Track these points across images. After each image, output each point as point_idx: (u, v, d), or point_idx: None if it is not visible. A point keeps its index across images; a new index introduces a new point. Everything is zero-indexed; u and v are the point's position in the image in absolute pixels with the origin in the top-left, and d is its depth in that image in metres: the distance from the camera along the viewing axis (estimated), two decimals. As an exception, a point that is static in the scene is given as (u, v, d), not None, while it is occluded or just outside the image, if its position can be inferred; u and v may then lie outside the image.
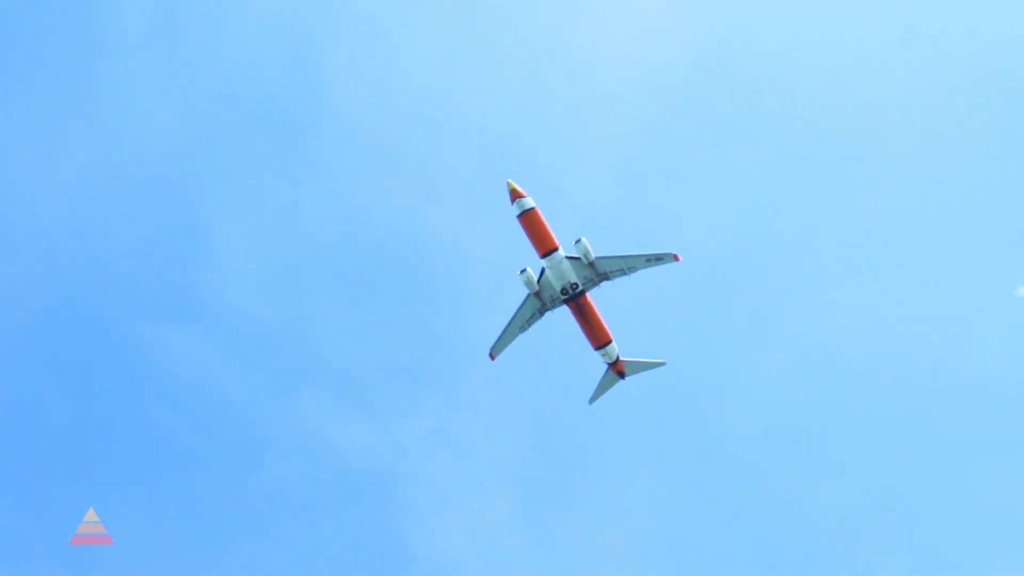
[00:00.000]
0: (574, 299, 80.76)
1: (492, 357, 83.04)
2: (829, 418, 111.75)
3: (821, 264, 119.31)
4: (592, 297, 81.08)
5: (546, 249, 79.21)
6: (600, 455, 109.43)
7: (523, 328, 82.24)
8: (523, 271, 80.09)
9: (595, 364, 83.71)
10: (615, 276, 79.84)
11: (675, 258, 78.77)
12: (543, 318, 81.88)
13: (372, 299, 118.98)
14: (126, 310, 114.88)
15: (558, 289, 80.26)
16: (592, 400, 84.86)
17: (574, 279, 79.89)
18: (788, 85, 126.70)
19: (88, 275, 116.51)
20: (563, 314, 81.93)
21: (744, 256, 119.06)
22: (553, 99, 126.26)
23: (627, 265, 79.20)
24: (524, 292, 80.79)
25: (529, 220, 78.66)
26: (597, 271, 79.64)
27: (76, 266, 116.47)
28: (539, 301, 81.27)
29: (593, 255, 79.07)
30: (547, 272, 79.94)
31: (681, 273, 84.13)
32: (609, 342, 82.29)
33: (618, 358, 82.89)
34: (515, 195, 78.29)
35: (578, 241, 78.88)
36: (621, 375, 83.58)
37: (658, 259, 78.69)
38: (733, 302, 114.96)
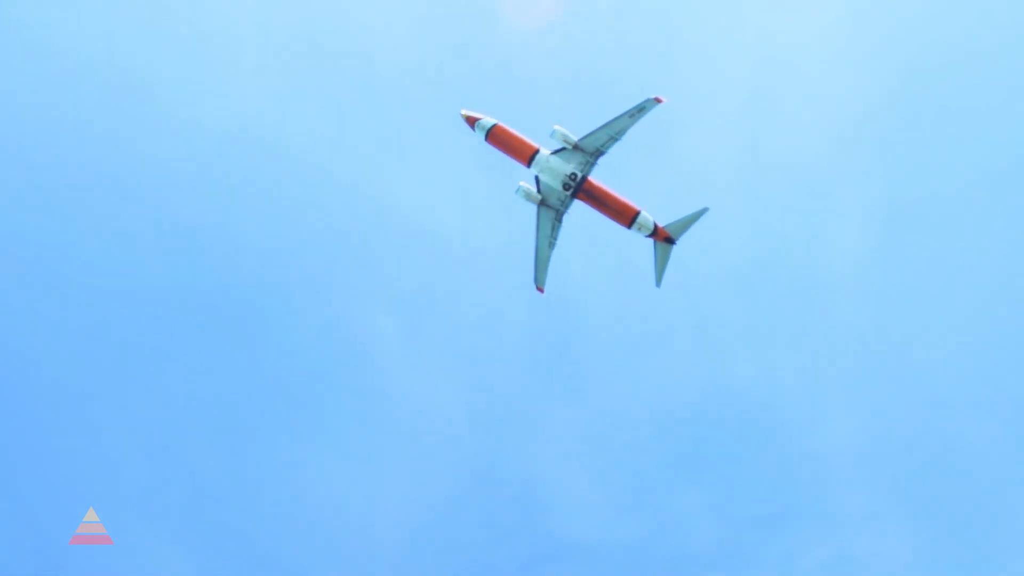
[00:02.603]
0: (580, 189, 76.49)
1: (541, 290, 79.17)
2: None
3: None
4: (597, 179, 76.67)
5: (528, 155, 76.15)
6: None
7: (551, 244, 78.29)
8: (518, 188, 77.01)
9: (640, 245, 78.29)
10: (607, 147, 75.28)
11: (657, 101, 73.62)
12: (563, 225, 77.89)
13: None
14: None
15: (560, 187, 76.34)
16: (658, 282, 78.80)
17: (569, 170, 75.91)
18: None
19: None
20: (580, 211, 77.72)
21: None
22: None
23: (613, 131, 74.54)
24: (532, 209, 77.47)
25: (496, 137, 76.28)
26: (587, 151, 75.41)
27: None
28: (550, 209, 77.45)
29: (574, 137, 75.15)
30: (541, 177, 76.50)
31: (677, 116, 78.67)
32: (638, 213, 76.92)
33: (656, 226, 77.19)
34: (471, 121, 76.38)
35: (553, 132, 75.41)
36: (670, 241, 77.53)
37: (640, 110, 73.63)
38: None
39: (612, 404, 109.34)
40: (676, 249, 77.96)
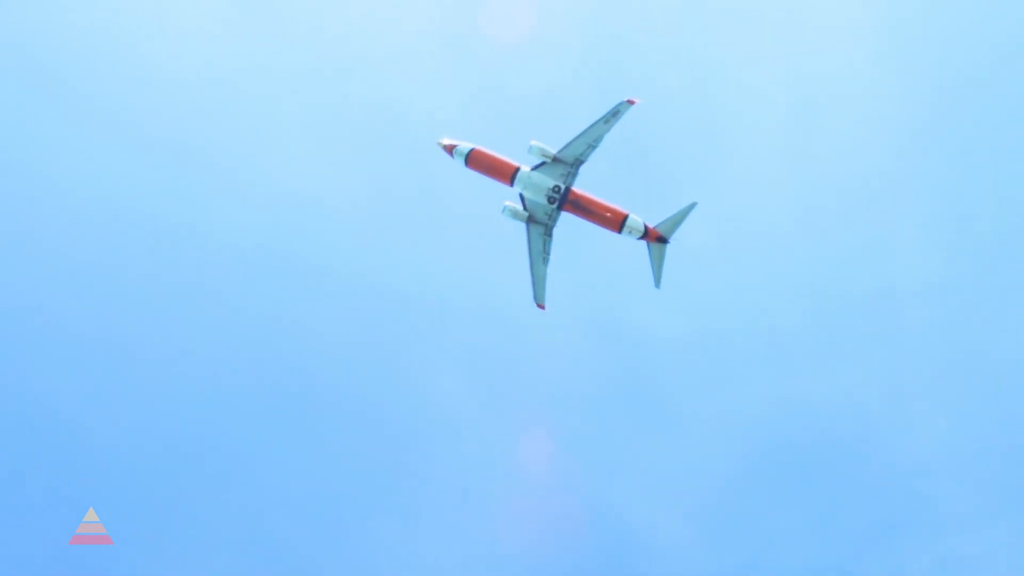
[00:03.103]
0: (565, 200, 76.37)
1: (541, 307, 78.89)
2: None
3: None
4: (580, 189, 76.54)
5: (509, 174, 76.27)
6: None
7: (545, 260, 78.11)
8: (504, 208, 77.08)
9: (633, 249, 77.83)
10: (587, 156, 75.19)
11: (630, 103, 73.56)
12: (553, 239, 77.68)
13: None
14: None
15: (545, 201, 76.28)
16: (657, 283, 78.23)
17: (552, 183, 75.87)
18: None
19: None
20: (568, 223, 77.53)
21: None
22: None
23: (591, 139, 74.42)
24: (520, 227, 77.44)
25: (476, 161, 76.57)
26: (567, 162, 75.37)
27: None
28: (539, 224, 77.37)
29: (552, 150, 75.19)
30: (525, 194, 76.55)
31: (652, 115, 78.53)
32: (626, 217, 76.59)
33: (647, 227, 76.77)
34: (449, 149, 76.76)
35: (531, 148, 75.54)
36: (662, 240, 77.06)
37: (615, 114, 73.58)
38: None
39: (694, 432, 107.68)
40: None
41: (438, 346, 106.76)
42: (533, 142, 75.41)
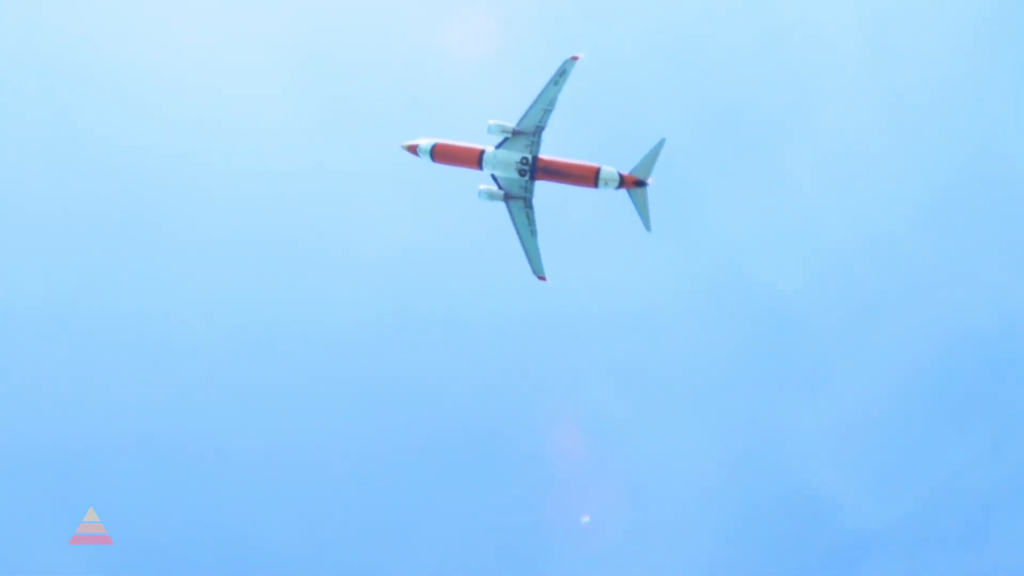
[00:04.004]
0: (535, 170, 76.97)
1: (543, 278, 79.43)
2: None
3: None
4: (547, 154, 77.08)
5: (476, 158, 77.23)
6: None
7: (533, 232, 78.69)
8: (480, 191, 77.91)
9: (615, 199, 78.05)
10: (545, 121, 75.68)
11: (574, 59, 73.95)
12: (535, 210, 78.28)
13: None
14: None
15: (517, 175, 77.00)
16: (648, 226, 78.17)
17: (518, 155, 76.56)
18: None
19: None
20: (545, 190, 78.16)
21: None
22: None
23: (544, 104, 74.85)
24: (499, 206, 78.19)
25: (441, 154, 77.73)
26: (528, 132, 76.01)
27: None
28: (517, 199, 78.06)
29: (511, 124, 75.94)
30: (496, 173, 77.40)
31: (596, 67, 78.67)
32: (599, 169, 76.87)
33: (621, 175, 76.91)
34: (412, 149, 77.95)
35: (490, 127, 76.34)
36: (640, 184, 77.06)
37: (562, 74, 74.01)
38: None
39: (851, 382, 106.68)
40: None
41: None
42: (491, 121, 76.21)
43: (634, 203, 77.53)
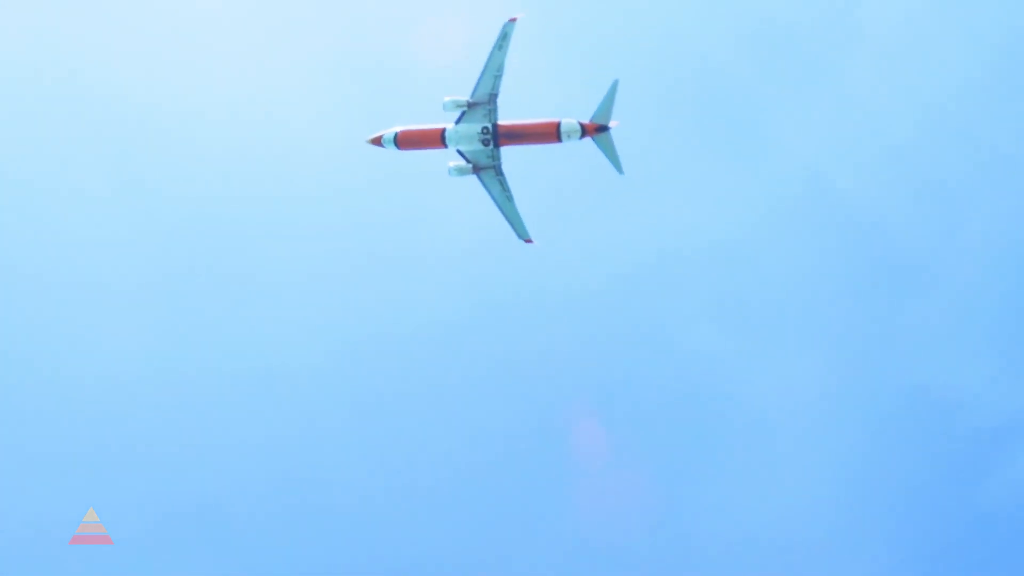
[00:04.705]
0: (498, 137, 77.96)
1: (529, 241, 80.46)
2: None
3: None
4: (505, 120, 78.05)
5: (438, 138, 78.48)
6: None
7: (508, 198, 79.73)
8: (449, 169, 79.11)
9: (583, 149, 78.72)
10: (497, 87, 76.65)
11: (512, 21, 74.76)
12: (505, 176, 79.27)
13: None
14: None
15: (481, 145, 78.09)
16: (620, 169, 78.62)
17: (478, 126, 77.62)
18: None
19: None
20: (512, 154, 79.11)
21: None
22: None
23: (493, 71, 75.79)
24: (471, 180, 79.37)
25: (405, 140, 79.07)
26: (483, 101, 77.09)
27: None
28: (487, 169, 79.15)
29: (464, 98, 77.07)
30: (461, 148, 78.60)
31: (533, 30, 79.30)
32: (559, 124, 77.53)
33: (582, 125, 77.44)
34: (377, 141, 79.50)
35: (445, 104, 77.51)
36: (603, 129, 77.51)
37: (504, 37, 74.88)
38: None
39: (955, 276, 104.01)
40: None
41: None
42: (446, 98, 77.37)
43: (601, 149, 78.02)
